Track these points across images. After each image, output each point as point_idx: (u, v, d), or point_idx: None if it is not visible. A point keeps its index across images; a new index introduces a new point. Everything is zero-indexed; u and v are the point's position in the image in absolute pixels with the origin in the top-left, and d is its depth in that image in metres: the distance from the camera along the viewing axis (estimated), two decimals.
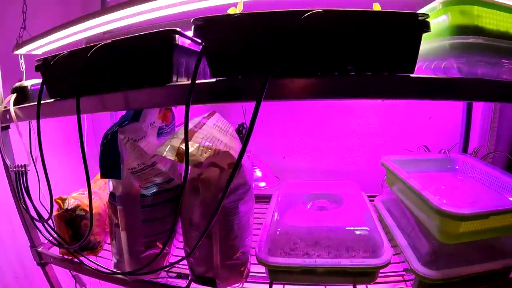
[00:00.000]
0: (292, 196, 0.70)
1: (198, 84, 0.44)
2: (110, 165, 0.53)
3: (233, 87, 0.44)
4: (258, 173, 0.79)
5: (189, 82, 0.43)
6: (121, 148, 0.54)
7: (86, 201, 0.65)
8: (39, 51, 0.74)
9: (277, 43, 0.40)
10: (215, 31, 0.41)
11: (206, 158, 0.49)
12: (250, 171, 0.58)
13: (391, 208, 0.69)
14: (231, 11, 0.48)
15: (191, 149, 0.49)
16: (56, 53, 0.54)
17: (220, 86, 0.44)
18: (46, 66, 0.55)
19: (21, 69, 0.74)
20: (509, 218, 0.55)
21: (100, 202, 0.70)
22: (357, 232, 0.58)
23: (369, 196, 0.77)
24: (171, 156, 0.48)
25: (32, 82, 0.68)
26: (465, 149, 0.81)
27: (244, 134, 0.76)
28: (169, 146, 0.49)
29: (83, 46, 0.51)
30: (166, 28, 0.46)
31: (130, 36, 0.48)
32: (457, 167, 0.73)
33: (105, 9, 0.62)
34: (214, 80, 0.44)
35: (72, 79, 0.53)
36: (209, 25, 0.42)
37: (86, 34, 0.69)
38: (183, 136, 0.52)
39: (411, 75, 0.43)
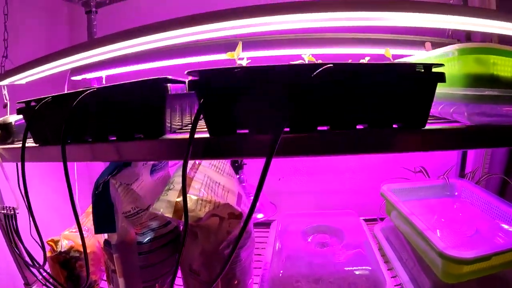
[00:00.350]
0: (292, 230, 0.66)
1: (196, 139, 0.38)
2: (104, 218, 0.47)
3: (234, 145, 0.38)
4: None
5: (185, 135, 0.38)
6: (114, 196, 0.49)
7: (79, 241, 0.60)
8: (23, 81, 0.67)
9: (284, 99, 0.35)
10: (214, 87, 0.35)
11: (206, 213, 0.44)
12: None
13: (391, 237, 0.66)
14: (228, 55, 0.42)
15: (189, 204, 0.44)
16: (39, 97, 0.47)
17: (219, 142, 0.38)
18: (28, 110, 0.48)
19: (5, 100, 0.67)
20: (510, 255, 0.52)
21: (94, 239, 0.65)
22: (359, 272, 0.55)
23: (367, 220, 0.73)
24: (168, 214, 0.42)
25: (16, 118, 0.61)
26: (462, 170, 0.78)
27: (240, 163, 0.71)
28: (165, 201, 0.43)
29: (67, 92, 0.45)
30: (156, 77, 0.40)
31: (117, 84, 0.42)
32: (456, 193, 0.70)
33: (92, 42, 0.55)
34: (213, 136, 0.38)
35: (57, 126, 0.46)
36: (206, 80, 0.36)
37: (72, 65, 0.61)
38: (179, 187, 0.47)
39: (424, 129, 0.38)
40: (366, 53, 0.69)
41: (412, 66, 0.37)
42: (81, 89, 0.44)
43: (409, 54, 0.70)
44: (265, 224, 0.74)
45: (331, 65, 0.33)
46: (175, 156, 0.41)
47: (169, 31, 0.50)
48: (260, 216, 0.71)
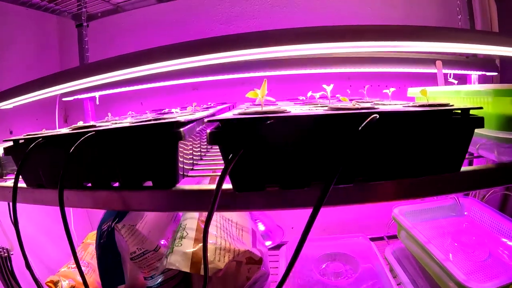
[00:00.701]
0: (304, 257, 0.62)
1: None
2: (112, 271, 0.42)
3: (261, 199, 0.33)
4: (261, 227, 0.69)
5: (202, 184, 0.33)
6: (120, 244, 0.43)
7: (79, 278, 0.54)
8: (10, 106, 0.59)
9: (322, 151, 0.30)
10: (241, 140, 0.30)
11: (226, 263, 0.39)
12: (266, 254, 0.48)
13: (403, 261, 0.63)
14: (251, 95, 0.36)
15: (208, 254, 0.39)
16: (29, 136, 0.41)
17: (245, 196, 0.33)
18: (18, 152, 0.41)
19: None
20: None
21: (96, 275, 0.59)
22: None
23: (375, 239, 0.71)
24: (185, 268, 0.37)
25: (5, 146, 0.53)
26: None
27: None
28: (181, 253, 0.38)
29: (62, 134, 0.38)
30: (167, 121, 0.34)
31: (120, 128, 0.35)
32: (465, 213, 0.68)
33: (84, 68, 0.48)
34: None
35: (51, 169, 0.40)
36: (232, 133, 0.30)
37: (62, 91, 0.54)
38: (193, 234, 0.42)
39: (460, 172, 0.35)
40: (378, 71, 0.65)
41: (451, 111, 0.33)
42: (78, 130, 0.38)
43: (421, 72, 0.67)
44: (274, 247, 0.70)
45: (376, 115, 0.29)
46: (191, 208, 0.36)
47: (168, 60, 0.44)
48: (268, 243, 0.67)
